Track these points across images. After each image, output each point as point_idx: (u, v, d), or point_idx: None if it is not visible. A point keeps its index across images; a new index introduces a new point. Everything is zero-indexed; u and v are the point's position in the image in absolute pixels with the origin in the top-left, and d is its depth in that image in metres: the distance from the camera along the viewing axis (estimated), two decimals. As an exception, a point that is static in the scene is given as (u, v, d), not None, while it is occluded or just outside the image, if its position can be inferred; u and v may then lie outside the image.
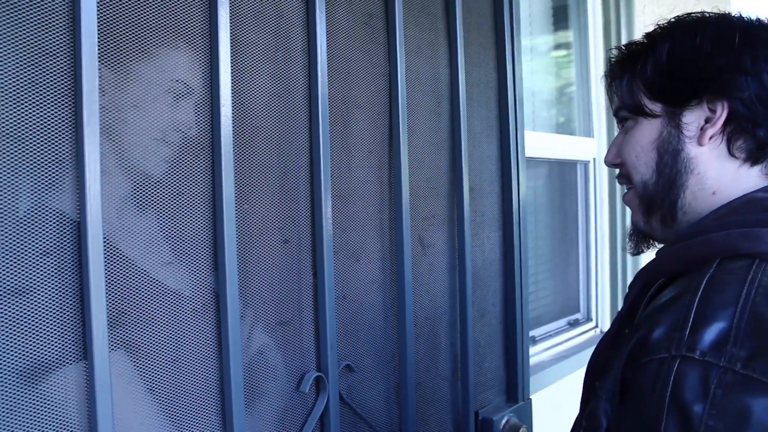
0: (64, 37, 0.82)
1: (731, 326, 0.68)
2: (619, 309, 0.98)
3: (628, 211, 2.68)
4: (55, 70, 0.81)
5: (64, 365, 0.82)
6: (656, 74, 0.87)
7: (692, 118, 0.85)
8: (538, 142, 2.21)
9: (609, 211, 2.60)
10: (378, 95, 1.32)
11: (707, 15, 0.87)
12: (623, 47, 0.95)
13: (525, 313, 1.72)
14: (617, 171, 0.98)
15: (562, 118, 2.63)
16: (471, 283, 1.53)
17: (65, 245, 0.82)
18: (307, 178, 1.16)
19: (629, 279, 2.58)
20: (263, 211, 1.08)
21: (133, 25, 0.90)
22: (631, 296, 0.93)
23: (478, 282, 1.60)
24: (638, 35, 2.63)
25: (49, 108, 0.81)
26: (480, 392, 1.60)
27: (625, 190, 1.00)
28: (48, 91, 0.81)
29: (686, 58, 0.84)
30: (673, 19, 0.90)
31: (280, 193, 1.11)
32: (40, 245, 0.80)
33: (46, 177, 0.81)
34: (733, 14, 0.87)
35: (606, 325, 2.58)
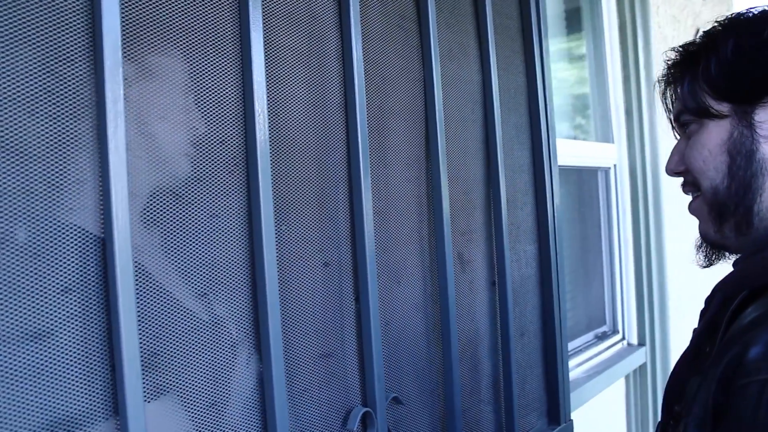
0: (84, 39, 0.72)
1: None
2: (696, 326, 0.90)
3: (653, 217, 2.58)
4: (74, 77, 0.71)
5: (92, 420, 0.71)
6: (721, 72, 0.81)
7: (766, 116, 0.78)
8: (559, 149, 2.12)
9: (632, 219, 2.51)
10: (413, 102, 1.22)
11: None
12: (680, 48, 0.89)
13: (564, 330, 1.62)
14: (673, 179, 0.91)
15: (579, 124, 2.54)
16: (512, 301, 1.42)
17: (89, 280, 0.72)
18: (346, 193, 1.05)
19: (655, 289, 2.49)
20: (302, 231, 0.98)
21: (160, 31, 0.80)
22: (710, 312, 0.85)
23: (517, 299, 1.50)
24: (654, 37, 2.57)
25: (67, 120, 0.70)
26: (522, 416, 1.49)
27: (690, 199, 0.92)
28: (66, 101, 0.70)
29: (754, 52, 0.78)
30: (731, 16, 0.84)
31: (319, 211, 1.01)
32: (61, 281, 0.69)
33: (65, 201, 0.70)
34: None
35: (633, 337, 2.49)
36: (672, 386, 0.85)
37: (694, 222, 0.90)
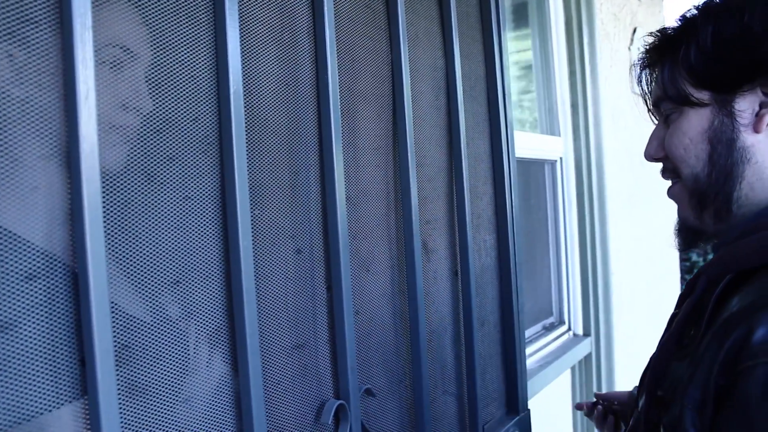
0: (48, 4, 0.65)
1: None
2: (674, 312, 0.90)
3: (597, 210, 2.62)
4: (39, 43, 0.64)
5: (60, 416, 0.64)
6: (701, 60, 0.81)
7: (746, 105, 0.79)
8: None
9: (578, 212, 2.56)
10: (381, 85, 1.19)
11: None
12: (658, 33, 0.89)
13: (521, 321, 1.62)
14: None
15: (526, 117, 2.56)
16: (475, 291, 1.41)
17: (55, 265, 0.65)
18: (318, 178, 1.01)
19: (599, 280, 2.55)
20: (274, 216, 0.93)
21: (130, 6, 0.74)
22: (695, 295, 0.85)
23: (477, 289, 1.49)
24: (598, 32, 2.62)
25: (30, 89, 0.64)
26: (484, 406, 1.49)
27: (670, 184, 0.92)
28: (29, 74, 0.64)
29: (735, 40, 0.78)
30: (709, 2, 0.83)
31: (291, 195, 0.96)
32: (24, 267, 0.63)
33: (29, 177, 0.64)
34: None
35: (578, 327, 2.53)
36: (654, 372, 0.84)
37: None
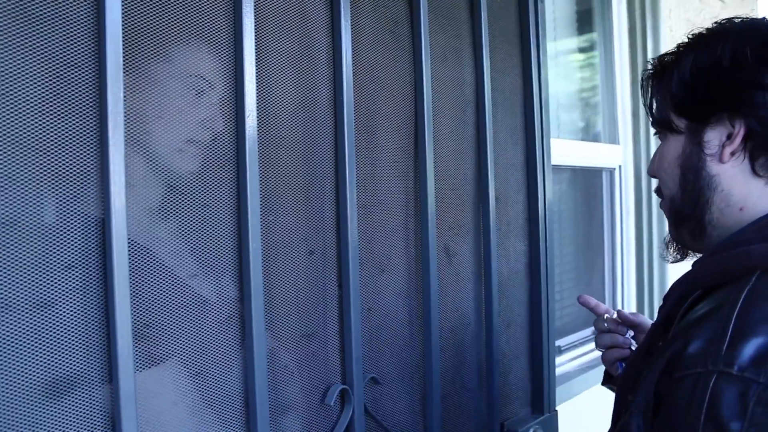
0: (89, 47, 0.81)
1: None
2: (653, 321, 0.96)
3: (656, 219, 2.63)
4: (79, 81, 0.81)
5: (88, 379, 0.81)
6: (680, 89, 0.85)
7: (713, 135, 0.82)
8: (563, 149, 2.18)
9: (635, 219, 2.56)
10: (403, 103, 1.30)
11: (737, 23, 0.83)
12: (657, 59, 0.93)
13: (551, 324, 1.69)
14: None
15: (587, 125, 2.59)
16: (497, 293, 1.50)
17: (90, 258, 0.81)
18: (332, 188, 1.14)
19: (656, 288, 2.54)
20: (288, 221, 1.07)
21: (157, 35, 0.89)
22: (665, 308, 0.91)
23: (504, 292, 1.57)
24: (664, 40, 2.61)
25: (73, 119, 0.80)
26: (505, 404, 1.57)
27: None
28: (72, 102, 0.80)
29: (706, 72, 0.82)
30: (704, 29, 0.87)
31: (305, 204, 1.10)
32: (65, 258, 0.79)
33: (71, 190, 0.80)
34: (766, 20, 0.83)
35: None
36: (626, 377, 0.89)
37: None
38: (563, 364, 2.16)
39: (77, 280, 0.80)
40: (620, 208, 2.54)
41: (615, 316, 1.17)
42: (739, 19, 0.83)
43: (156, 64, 0.89)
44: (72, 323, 0.80)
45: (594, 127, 2.60)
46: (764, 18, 0.82)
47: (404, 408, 1.29)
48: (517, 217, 1.64)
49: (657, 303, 2.55)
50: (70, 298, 0.80)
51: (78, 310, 0.80)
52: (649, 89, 0.93)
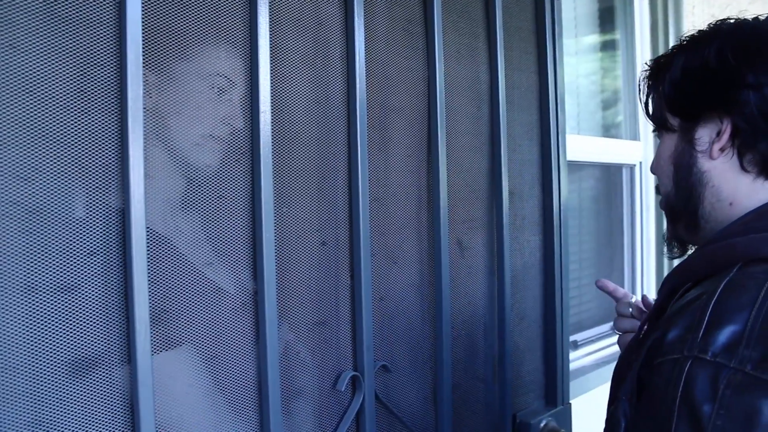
0: (111, 47, 0.86)
1: (745, 329, 0.68)
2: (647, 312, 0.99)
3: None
4: (102, 79, 0.86)
5: (108, 359, 0.86)
6: (672, 89, 0.89)
7: (703, 133, 0.86)
8: (583, 145, 2.20)
9: (655, 215, 2.56)
10: (417, 100, 1.34)
11: (725, 24, 0.86)
12: (652, 61, 0.97)
13: (565, 318, 1.71)
14: None
15: (609, 121, 2.59)
16: (510, 287, 1.53)
17: (111, 246, 0.87)
18: (345, 181, 1.18)
19: (676, 284, 2.53)
20: (301, 213, 1.11)
21: (177, 34, 0.94)
22: (658, 300, 0.94)
23: (518, 286, 1.60)
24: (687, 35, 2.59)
25: (96, 115, 0.85)
26: (518, 396, 1.60)
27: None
28: (95, 98, 0.85)
29: (695, 73, 0.85)
30: (695, 32, 0.90)
31: (318, 197, 1.14)
32: (88, 246, 0.84)
33: (94, 181, 0.85)
34: (751, 21, 0.85)
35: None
36: (618, 368, 0.92)
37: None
38: (579, 358, 2.17)
39: (99, 266, 0.85)
40: (640, 205, 2.54)
41: (635, 301, 1.17)
42: (730, 21, 0.86)
43: (176, 62, 0.94)
44: (94, 306, 0.85)
45: (615, 123, 2.60)
46: (756, 18, 0.84)
47: (415, 396, 1.32)
48: (532, 213, 1.66)
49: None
50: (92, 283, 0.85)
51: (99, 294, 0.85)
52: (646, 90, 0.96)
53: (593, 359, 2.20)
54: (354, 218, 1.18)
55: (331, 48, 1.17)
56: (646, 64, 0.98)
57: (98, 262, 0.85)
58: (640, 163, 2.54)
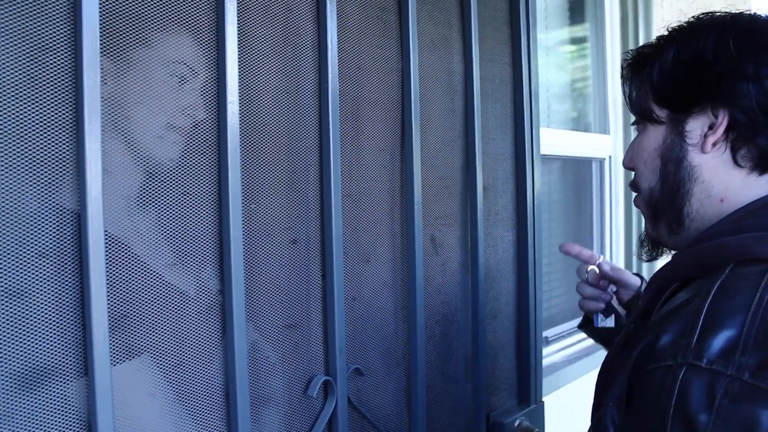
0: (65, 31, 0.79)
1: (741, 334, 0.66)
2: (632, 314, 0.96)
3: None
4: (55, 65, 0.78)
5: (62, 371, 0.79)
6: (662, 80, 0.85)
7: (695, 126, 0.83)
8: (553, 139, 2.17)
9: (624, 210, 2.56)
10: (390, 91, 1.29)
11: (718, 16, 0.84)
12: (635, 50, 0.94)
13: (538, 315, 1.68)
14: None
15: (578, 115, 2.58)
16: (484, 284, 1.49)
17: (65, 246, 0.80)
18: (317, 176, 1.12)
19: (645, 278, 2.54)
20: (271, 210, 1.05)
21: (135, 19, 0.87)
22: (644, 302, 0.91)
23: (491, 282, 1.56)
24: (656, 30, 2.59)
25: (48, 104, 0.78)
26: (492, 395, 1.56)
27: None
28: (47, 86, 0.78)
29: (689, 64, 0.82)
30: (684, 23, 0.88)
31: (289, 193, 1.08)
32: (39, 246, 0.77)
33: (46, 176, 0.78)
34: (746, 14, 0.83)
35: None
36: (604, 371, 0.89)
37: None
38: (551, 354, 2.16)
39: (52, 269, 0.78)
40: (610, 199, 2.53)
41: (595, 266, 1.18)
42: (720, 13, 0.84)
43: (136, 49, 0.87)
44: (46, 313, 0.78)
45: (585, 117, 2.58)
46: (745, 12, 0.82)
47: (389, 399, 1.28)
48: (506, 208, 1.63)
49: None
50: (44, 288, 0.78)
51: (52, 299, 0.78)
52: (629, 80, 0.93)
53: (564, 355, 2.19)
54: (326, 215, 1.12)
55: (302, 37, 1.11)
56: (627, 53, 0.95)
57: (51, 265, 0.78)
58: (610, 156, 2.54)
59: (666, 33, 0.89)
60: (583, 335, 2.35)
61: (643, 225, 2.44)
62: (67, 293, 0.79)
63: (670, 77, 0.84)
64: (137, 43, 0.87)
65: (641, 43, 2.54)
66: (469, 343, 1.49)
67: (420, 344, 1.29)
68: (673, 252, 0.93)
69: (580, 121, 2.56)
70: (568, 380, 2.06)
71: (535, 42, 1.69)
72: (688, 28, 0.85)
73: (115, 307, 0.84)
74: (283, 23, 1.07)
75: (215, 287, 0.96)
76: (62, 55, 0.79)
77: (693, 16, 0.87)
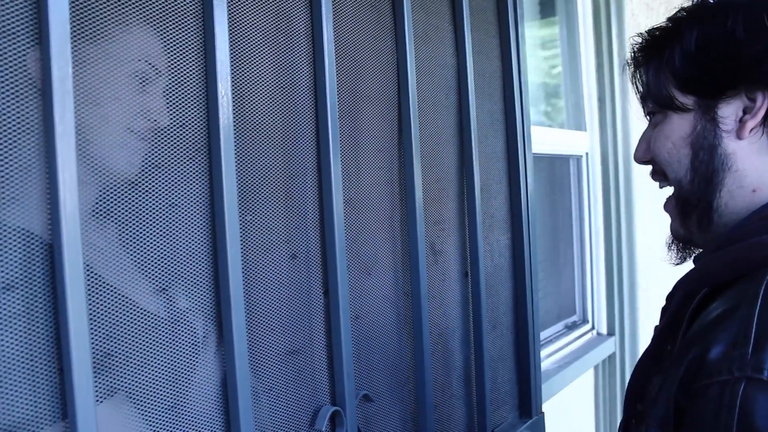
0: (25, 9, 0.65)
1: None
2: (657, 323, 0.89)
3: (624, 207, 2.56)
4: (12, 52, 0.64)
5: (39, 425, 0.65)
6: (686, 65, 0.79)
7: (729, 111, 0.76)
8: (532, 137, 2.09)
9: (603, 207, 2.50)
10: (386, 86, 1.17)
11: None
12: (646, 33, 0.86)
13: (536, 322, 1.59)
14: (644, 168, 0.88)
15: (551, 111, 2.51)
16: (485, 293, 1.39)
17: (34, 276, 0.65)
18: (315, 181, 1.00)
19: (625, 277, 2.49)
20: (268, 221, 0.92)
21: (113, 6, 0.73)
22: (671, 309, 0.85)
23: (489, 290, 1.46)
24: (628, 24, 2.55)
25: (8, 101, 0.64)
26: (494, 409, 1.46)
27: (663, 191, 0.90)
28: (6, 81, 0.64)
29: (718, 45, 0.76)
30: (700, 2, 0.81)
31: (286, 200, 0.95)
32: (1, 278, 0.63)
33: (6, 189, 0.64)
34: None
35: (602, 326, 2.48)
36: (634, 384, 0.84)
37: (664, 212, 0.88)
38: (542, 360, 2.07)
39: (19, 304, 0.64)
40: (588, 197, 2.48)
41: None
42: None
43: (106, 41, 0.73)
44: (15, 356, 0.63)
45: (558, 113, 2.52)
46: None
47: (396, 424, 1.16)
48: (500, 210, 1.53)
49: (626, 292, 2.50)
50: (9, 326, 0.63)
51: (22, 339, 0.64)
52: (643, 68, 0.85)
53: (553, 361, 2.11)
54: (327, 225, 1.00)
55: (295, 28, 0.98)
56: (638, 36, 0.87)
57: (17, 299, 0.64)
58: (587, 153, 2.48)
59: (681, 13, 0.82)
60: (569, 338, 2.28)
61: (625, 219, 2.39)
62: (37, 331, 0.65)
63: (695, 61, 0.78)
64: (108, 35, 0.74)
65: (614, 37, 2.49)
66: (471, 356, 1.39)
67: (427, 361, 1.18)
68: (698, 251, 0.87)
69: (553, 117, 2.50)
70: (560, 387, 1.99)
71: (523, 36, 1.60)
72: (708, 8, 0.79)
73: (95, 345, 0.70)
74: (275, 9, 0.95)
75: (211, 311, 0.83)
76: (22, 38, 0.65)
77: None
